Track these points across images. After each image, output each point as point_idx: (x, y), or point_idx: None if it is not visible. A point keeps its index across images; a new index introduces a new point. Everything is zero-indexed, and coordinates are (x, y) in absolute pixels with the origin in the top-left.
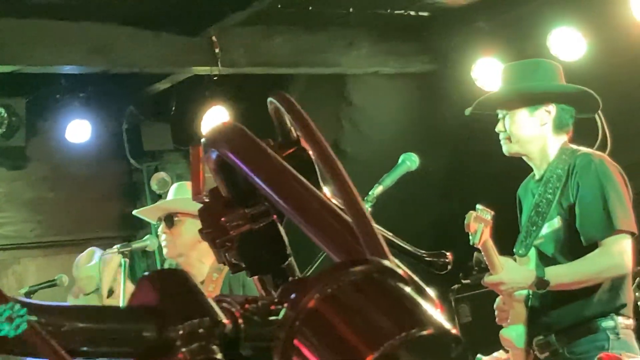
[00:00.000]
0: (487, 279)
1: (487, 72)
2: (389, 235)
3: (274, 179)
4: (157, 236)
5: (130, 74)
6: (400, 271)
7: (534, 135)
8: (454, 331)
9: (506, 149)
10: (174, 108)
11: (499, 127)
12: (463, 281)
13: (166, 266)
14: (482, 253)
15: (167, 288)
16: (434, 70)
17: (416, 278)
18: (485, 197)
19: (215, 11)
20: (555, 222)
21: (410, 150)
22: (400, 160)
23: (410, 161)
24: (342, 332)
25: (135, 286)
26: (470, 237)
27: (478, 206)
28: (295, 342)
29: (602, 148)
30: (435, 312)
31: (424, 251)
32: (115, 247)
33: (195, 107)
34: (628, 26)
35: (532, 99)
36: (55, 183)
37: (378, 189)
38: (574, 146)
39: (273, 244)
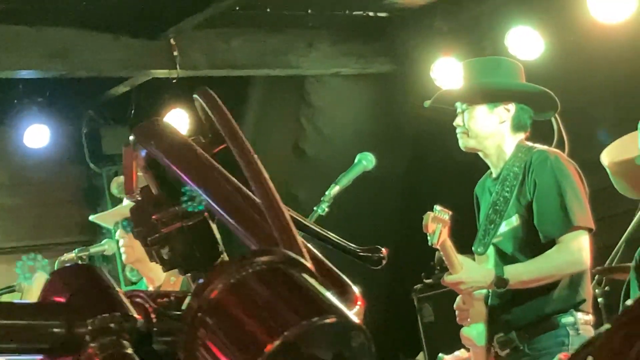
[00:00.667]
0: (447, 279)
1: (447, 72)
2: (321, 230)
3: (199, 174)
4: (117, 241)
5: (89, 78)
6: (307, 263)
7: (492, 132)
8: (356, 320)
9: (462, 143)
10: (133, 111)
11: (457, 122)
12: (425, 281)
13: (127, 272)
14: (441, 253)
15: (78, 284)
16: (394, 70)
17: (335, 271)
18: (445, 197)
19: (173, 14)
20: (513, 220)
21: (371, 150)
22: (356, 160)
23: (366, 161)
24: (244, 322)
25: (46, 282)
26: (429, 238)
27: (436, 207)
28: (200, 333)
29: (559, 149)
30: (338, 302)
31: (357, 246)
32: (73, 251)
33: (154, 111)
34: (585, 25)
35: (493, 95)
36: (14, 189)
37: (335, 189)
38: (530, 143)
39: (205, 241)
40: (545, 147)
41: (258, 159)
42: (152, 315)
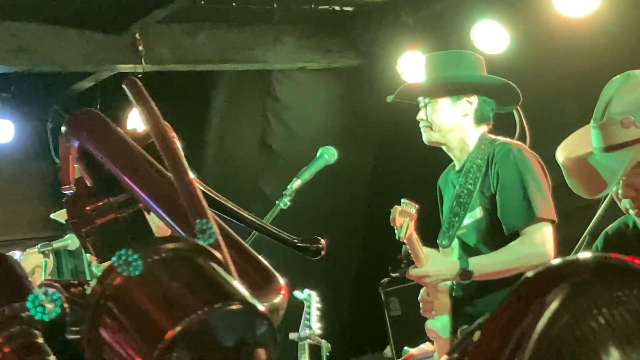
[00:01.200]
0: (412, 272)
1: (412, 66)
2: (259, 221)
3: (128, 165)
4: None
5: (54, 73)
6: (216, 251)
7: (455, 125)
8: (261, 308)
9: (426, 137)
10: (98, 106)
11: (420, 116)
12: (392, 275)
13: (93, 267)
14: (408, 246)
15: None
16: (360, 65)
17: (260, 260)
18: (411, 191)
19: (138, 8)
20: (477, 213)
21: (337, 145)
22: (318, 154)
23: (328, 154)
24: (146, 308)
25: None
26: (396, 232)
27: (403, 200)
28: (102, 319)
29: (521, 141)
30: (244, 290)
31: (295, 237)
32: (36, 246)
33: (120, 105)
34: (550, 19)
35: (455, 89)
36: None
37: (296, 183)
38: (493, 136)
39: (139, 233)
40: (507, 140)
41: (179, 149)
42: (65, 305)
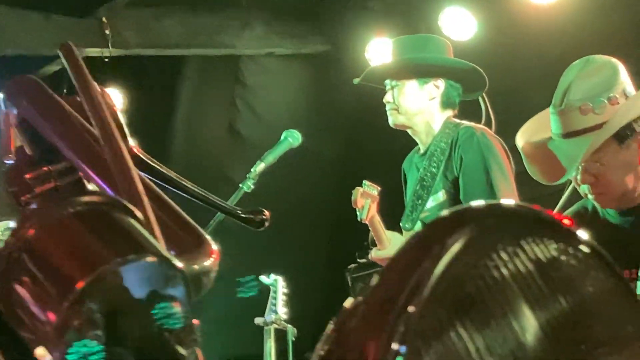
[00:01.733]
0: (375, 255)
1: (381, 52)
2: (202, 192)
3: (64, 130)
4: None
5: (21, 57)
6: (135, 207)
7: (421, 108)
8: (176, 263)
9: (392, 120)
10: (65, 91)
11: (386, 98)
12: (359, 261)
13: None
14: (370, 228)
15: None
16: (328, 50)
17: (193, 224)
18: (380, 175)
19: None
20: (440, 196)
21: (306, 130)
22: (282, 137)
23: (292, 138)
24: (59, 259)
25: None
26: (358, 213)
27: (365, 182)
28: (14, 270)
29: (487, 127)
30: (159, 245)
31: (239, 208)
32: None
33: None
34: (518, 6)
35: (422, 72)
36: None
37: (260, 166)
38: (457, 120)
39: None
40: (472, 124)
41: (111, 116)
42: None
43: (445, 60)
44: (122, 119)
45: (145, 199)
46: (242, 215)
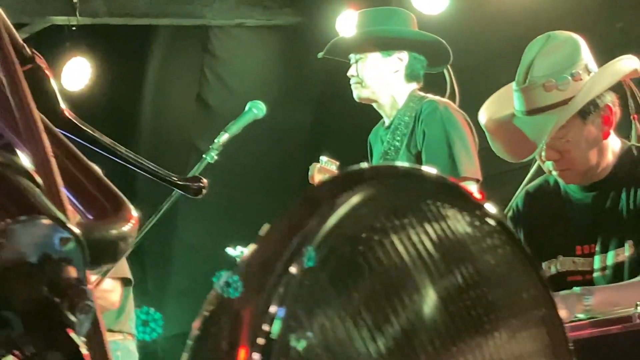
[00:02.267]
0: None
1: (351, 24)
2: (137, 158)
3: None
4: None
5: None
6: (32, 171)
7: (385, 81)
8: (71, 227)
9: (357, 94)
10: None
11: (350, 72)
12: None
13: None
14: None
15: None
16: (299, 22)
17: (113, 188)
18: (346, 149)
19: None
20: None
21: (275, 102)
22: (246, 108)
23: (257, 109)
24: None
25: None
26: None
27: (322, 157)
28: None
29: (451, 100)
30: (52, 206)
31: (175, 175)
32: None
33: (54, 59)
34: None
35: (385, 44)
36: None
37: (224, 137)
38: (422, 93)
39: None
40: (436, 97)
41: (21, 74)
42: None
43: (408, 32)
44: (54, 83)
45: (52, 162)
46: (179, 183)
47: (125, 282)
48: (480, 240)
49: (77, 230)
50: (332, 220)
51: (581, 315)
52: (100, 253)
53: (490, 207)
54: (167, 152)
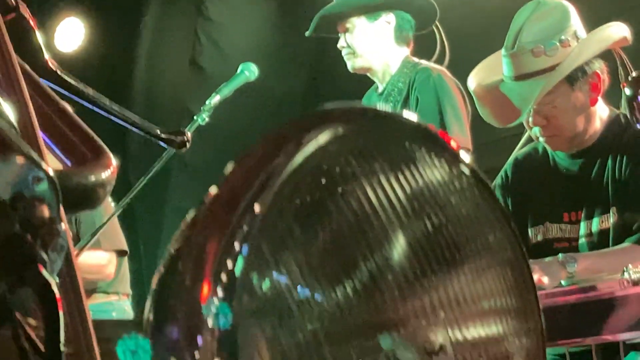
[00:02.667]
0: None
1: None
2: (121, 110)
3: None
4: None
5: None
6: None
7: (376, 46)
8: (44, 166)
9: (350, 65)
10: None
11: (340, 44)
12: None
13: None
14: None
15: None
16: None
17: (92, 135)
18: None
19: None
20: None
21: (269, 67)
22: (238, 70)
23: (249, 71)
24: None
25: None
26: None
27: None
28: None
29: (441, 60)
30: (27, 146)
31: (159, 128)
32: None
33: (48, 19)
34: None
35: (369, 7)
36: None
37: (215, 99)
38: (416, 59)
39: None
40: (429, 64)
41: (0, 21)
42: None
43: None
44: (38, 34)
45: (30, 106)
46: (162, 136)
47: (120, 253)
48: (449, 184)
49: (50, 171)
50: (299, 157)
51: (564, 282)
52: (78, 199)
53: (464, 154)
54: (159, 114)
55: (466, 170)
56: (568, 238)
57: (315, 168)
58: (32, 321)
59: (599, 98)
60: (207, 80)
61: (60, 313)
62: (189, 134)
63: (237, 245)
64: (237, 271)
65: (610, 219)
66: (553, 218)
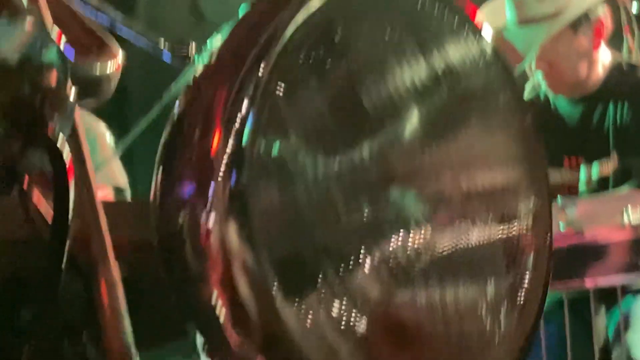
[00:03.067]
0: None
1: None
2: (128, 22)
3: None
4: None
5: None
6: None
7: None
8: (53, 33)
9: None
10: None
11: None
12: None
13: None
14: None
15: None
16: None
17: (98, 30)
18: None
19: None
20: None
21: None
22: (240, 11)
23: None
24: None
25: None
26: None
27: None
28: None
29: None
30: (37, 11)
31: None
32: None
33: None
34: None
35: None
36: None
37: (217, 38)
38: None
39: None
40: None
41: None
42: None
43: None
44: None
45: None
46: (166, 47)
47: (117, 191)
48: (461, 41)
49: (59, 37)
50: (305, 10)
51: (562, 226)
52: (84, 90)
53: (486, 26)
54: (160, 62)
55: (485, 45)
56: (568, 183)
57: (324, 16)
58: (39, 189)
59: (602, 43)
60: (208, 28)
61: (69, 181)
62: (194, 46)
63: (245, 100)
64: (246, 129)
65: (610, 165)
66: (553, 163)
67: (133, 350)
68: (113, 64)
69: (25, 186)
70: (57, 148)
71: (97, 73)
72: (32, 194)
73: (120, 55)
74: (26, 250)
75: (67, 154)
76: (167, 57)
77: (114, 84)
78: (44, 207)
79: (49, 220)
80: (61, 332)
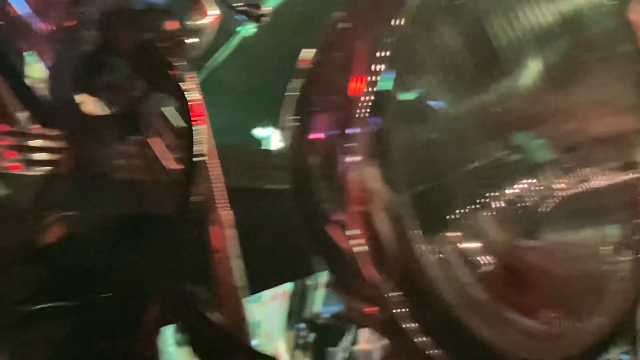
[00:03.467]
0: None
1: None
2: None
3: None
4: None
5: None
6: None
7: None
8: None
9: None
10: None
11: None
12: None
13: None
14: None
15: None
16: None
17: None
18: None
19: None
20: None
21: None
22: None
23: None
24: None
25: None
26: None
27: None
28: None
29: None
30: None
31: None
32: None
33: None
34: None
35: None
36: None
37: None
38: None
39: None
40: None
41: None
42: None
43: None
44: None
45: None
46: (239, 8)
47: None
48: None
49: None
50: None
51: None
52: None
53: None
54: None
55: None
56: None
57: None
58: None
59: None
60: None
61: (195, 123)
62: (268, 9)
63: (387, 46)
64: (387, 74)
65: None
66: None
67: (244, 292)
68: (206, 20)
69: (146, 129)
70: (179, 88)
71: (193, 27)
72: (152, 138)
73: (210, 11)
74: (148, 192)
75: (186, 91)
76: (240, 18)
77: (209, 36)
78: (161, 151)
79: (167, 164)
80: (178, 274)
